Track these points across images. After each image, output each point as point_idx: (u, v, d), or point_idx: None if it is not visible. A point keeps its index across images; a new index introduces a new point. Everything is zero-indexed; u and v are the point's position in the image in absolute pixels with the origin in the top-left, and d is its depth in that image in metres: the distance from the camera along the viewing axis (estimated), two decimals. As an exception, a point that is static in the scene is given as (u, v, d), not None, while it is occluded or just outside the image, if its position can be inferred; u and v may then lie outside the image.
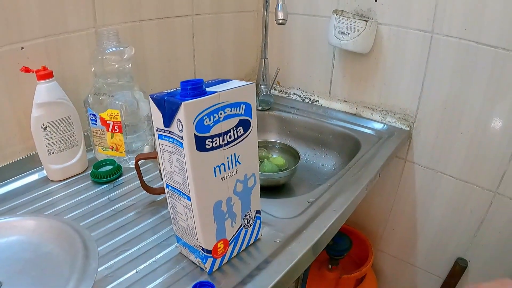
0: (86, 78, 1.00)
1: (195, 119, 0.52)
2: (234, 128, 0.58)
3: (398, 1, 1.12)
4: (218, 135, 0.56)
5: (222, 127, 0.56)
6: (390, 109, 1.26)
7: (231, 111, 0.57)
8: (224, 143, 0.57)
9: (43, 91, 0.87)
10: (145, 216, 0.80)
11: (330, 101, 1.38)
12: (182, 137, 0.53)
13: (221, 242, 0.63)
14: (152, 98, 0.55)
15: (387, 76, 1.22)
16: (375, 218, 1.45)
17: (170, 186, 0.61)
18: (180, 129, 0.52)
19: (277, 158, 1.15)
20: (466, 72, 1.07)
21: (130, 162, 0.98)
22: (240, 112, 0.58)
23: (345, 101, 1.35)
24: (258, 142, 0.64)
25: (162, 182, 0.86)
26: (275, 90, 1.51)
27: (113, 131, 0.93)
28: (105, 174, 0.92)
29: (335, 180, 0.93)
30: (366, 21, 1.13)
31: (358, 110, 1.31)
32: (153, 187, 0.85)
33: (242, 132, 0.60)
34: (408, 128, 1.22)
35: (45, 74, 0.86)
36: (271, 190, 1.08)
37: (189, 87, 0.52)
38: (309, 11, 1.30)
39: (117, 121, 0.92)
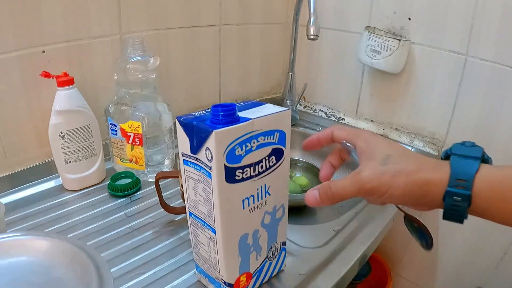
0: (108, 86, 0.97)
1: (227, 148, 0.48)
2: (267, 158, 0.54)
3: (433, 21, 1.08)
4: (249, 166, 0.52)
5: (254, 157, 0.52)
6: (419, 131, 1.21)
7: (264, 139, 0.52)
8: (255, 174, 0.53)
9: (63, 98, 0.84)
10: (162, 236, 0.76)
11: (356, 120, 1.34)
12: (211, 167, 0.49)
13: (244, 275, 0.59)
14: (179, 121, 0.51)
15: (417, 97, 1.17)
16: (396, 241, 1.40)
17: (193, 215, 0.57)
18: (210, 158, 0.48)
19: (301, 178, 1.11)
20: (499, 98, 1.02)
21: (150, 175, 0.94)
22: (273, 141, 0.54)
23: (372, 120, 1.30)
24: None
25: (181, 200, 0.82)
26: (300, 105, 1.46)
27: (134, 143, 0.90)
28: (122, 187, 0.88)
29: (362, 206, 0.89)
30: (399, 40, 1.08)
31: (385, 131, 1.27)
32: (173, 205, 0.82)
33: (274, 161, 0.55)
34: (436, 153, 1.17)
35: (66, 81, 0.84)
36: (292, 211, 1.03)
37: (221, 113, 0.48)
38: (340, 26, 1.26)
39: (138, 134, 0.89)
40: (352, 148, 0.53)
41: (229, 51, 1.24)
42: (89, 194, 0.90)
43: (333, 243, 0.77)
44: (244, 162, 0.51)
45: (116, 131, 0.91)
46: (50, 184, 0.93)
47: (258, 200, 0.55)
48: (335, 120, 1.38)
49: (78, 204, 0.86)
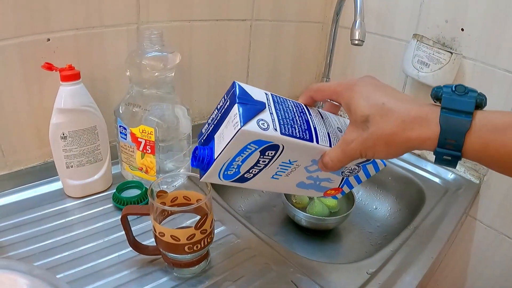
0: (120, 83, 0.86)
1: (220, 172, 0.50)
2: (261, 159, 0.49)
3: (489, 35, 0.95)
4: (249, 170, 0.50)
5: (246, 167, 0.50)
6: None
7: (243, 156, 0.48)
8: (260, 168, 0.51)
9: (67, 95, 0.73)
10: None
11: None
12: None
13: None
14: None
15: (462, 118, 1.05)
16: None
17: None
18: None
19: (328, 198, 1.00)
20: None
21: (162, 187, 0.83)
22: (253, 148, 0.47)
23: (408, 138, 1.18)
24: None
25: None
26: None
27: (144, 151, 0.79)
28: (128, 200, 0.78)
29: (399, 244, 0.77)
30: (451, 53, 0.96)
31: (424, 152, 1.14)
32: (145, 244, 0.68)
33: (273, 153, 0.48)
34: (477, 181, 1.05)
35: (71, 75, 0.73)
36: (317, 233, 0.96)
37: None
38: (383, 31, 1.13)
39: (150, 141, 0.78)
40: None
41: (259, 50, 1.12)
42: (92, 204, 0.80)
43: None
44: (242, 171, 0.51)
45: (126, 135, 0.80)
46: (51, 187, 0.84)
47: (287, 170, 0.52)
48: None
49: (79, 215, 0.77)
